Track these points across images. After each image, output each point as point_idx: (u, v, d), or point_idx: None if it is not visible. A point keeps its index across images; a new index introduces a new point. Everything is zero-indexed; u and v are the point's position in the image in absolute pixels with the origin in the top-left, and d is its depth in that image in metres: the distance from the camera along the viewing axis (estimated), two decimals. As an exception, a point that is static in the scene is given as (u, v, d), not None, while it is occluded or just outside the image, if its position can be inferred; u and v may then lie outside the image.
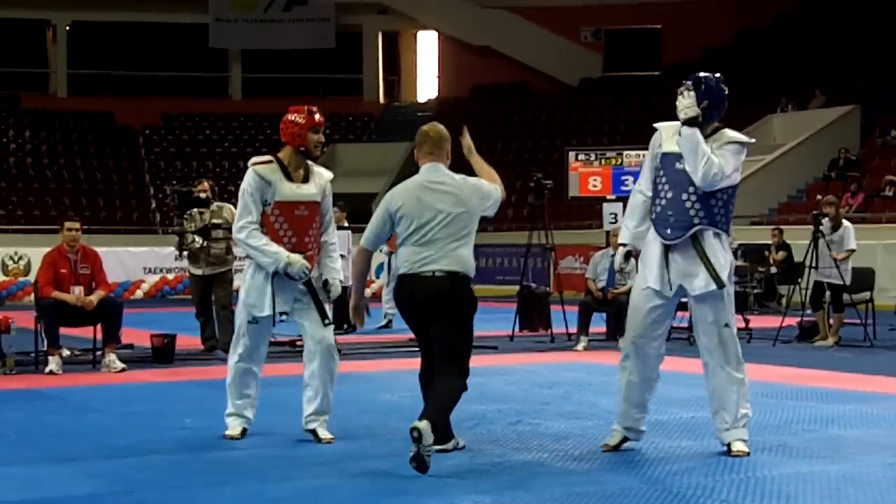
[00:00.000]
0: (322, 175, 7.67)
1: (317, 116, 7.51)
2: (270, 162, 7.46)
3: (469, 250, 6.93)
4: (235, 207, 13.48)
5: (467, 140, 7.36)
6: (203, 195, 12.90)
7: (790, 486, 6.05)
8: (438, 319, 6.77)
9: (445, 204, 6.89)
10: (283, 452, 7.17)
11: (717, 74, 7.21)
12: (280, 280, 7.41)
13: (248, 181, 7.40)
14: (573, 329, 14.19)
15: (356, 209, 33.06)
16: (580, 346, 13.61)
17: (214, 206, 13.00)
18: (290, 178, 7.43)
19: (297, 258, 7.34)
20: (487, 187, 7.16)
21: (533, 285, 16.38)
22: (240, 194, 7.46)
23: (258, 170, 7.39)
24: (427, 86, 43.17)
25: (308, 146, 7.47)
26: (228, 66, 41.29)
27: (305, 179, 7.50)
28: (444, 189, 6.96)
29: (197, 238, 12.69)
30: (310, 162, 7.58)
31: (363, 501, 5.75)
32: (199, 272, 12.98)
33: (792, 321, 14.91)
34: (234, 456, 7.05)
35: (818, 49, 32.11)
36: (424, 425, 6.20)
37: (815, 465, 6.63)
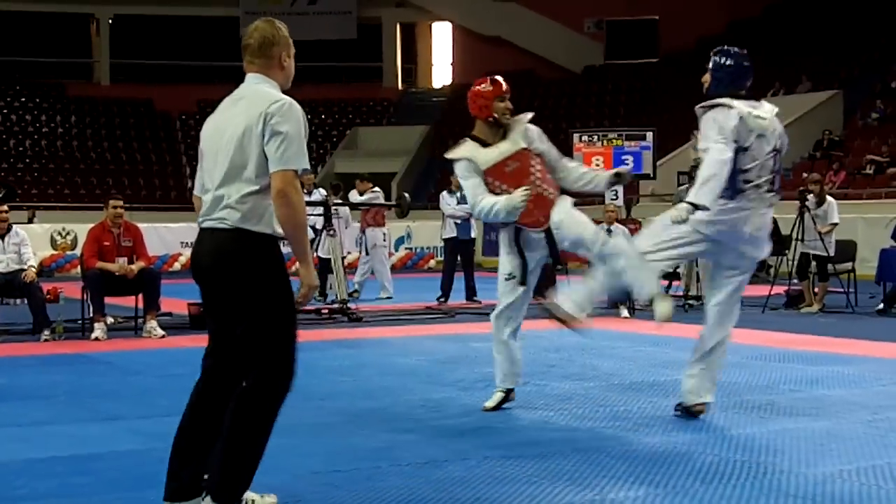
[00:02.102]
0: (518, 122, 7.15)
1: (503, 85, 7.15)
2: (463, 142, 7.16)
3: None
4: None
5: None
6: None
7: (778, 440, 6.04)
8: None
9: None
10: (309, 413, 7.18)
11: (735, 49, 6.76)
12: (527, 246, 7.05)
13: (458, 170, 7.08)
14: (577, 297, 14.14)
15: (377, 187, 33.25)
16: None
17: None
18: (487, 146, 7.04)
19: (513, 195, 6.78)
20: None
21: (539, 257, 16.32)
22: (462, 184, 7.13)
23: (458, 155, 7.06)
24: (442, 73, 43.11)
25: (496, 115, 7.11)
26: (258, 55, 41.25)
27: (503, 139, 7.08)
28: None
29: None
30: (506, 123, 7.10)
31: (382, 455, 5.76)
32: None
33: (780, 290, 14.87)
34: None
35: (804, 38, 31.94)
36: None
37: (801, 422, 6.62)
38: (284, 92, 4.61)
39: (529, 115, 7.21)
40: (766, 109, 6.59)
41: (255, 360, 4.52)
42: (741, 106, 6.46)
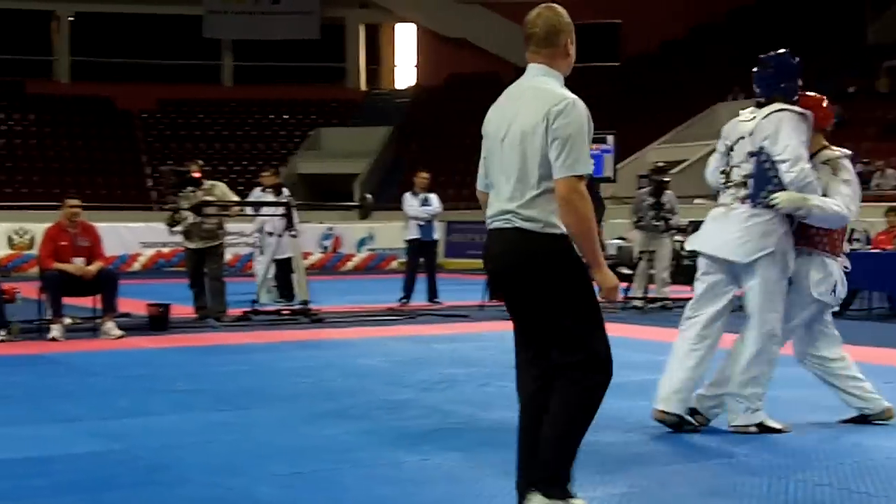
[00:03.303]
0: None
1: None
2: None
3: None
4: (227, 187, 13.58)
5: None
6: (196, 175, 13.01)
7: (733, 443, 6.09)
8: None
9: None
10: (269, 414, 7.17)
11: (780, 51, 6.83)
12: None
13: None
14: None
15: (339, 188, 33.20)
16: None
17: (207, 184, 13.08)
18: None
19: None
20: None
21: (501, 259, 16.35)
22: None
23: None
24: (406, 74, 43.10)
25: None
26: (221, 54, 41.10)
27: None
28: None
29: (190, 214, 12.72)
30: None
31: (342, 456, 5.76)
32: (192, 246, 13.05)
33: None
34: (222, 417, 7.04)
35: (765, 43, 32.11)
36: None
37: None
38: None
39: None
40: (758, 113, 6.60)
41: (576, 350, 4.37)
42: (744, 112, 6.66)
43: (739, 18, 35.04)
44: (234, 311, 13.19)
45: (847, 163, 6.67)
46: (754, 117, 6.58)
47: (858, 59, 30.34)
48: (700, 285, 6.66)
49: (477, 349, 10.67)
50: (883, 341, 11.09)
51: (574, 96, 4.38)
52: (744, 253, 6.41)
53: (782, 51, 6.84)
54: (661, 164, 16.57)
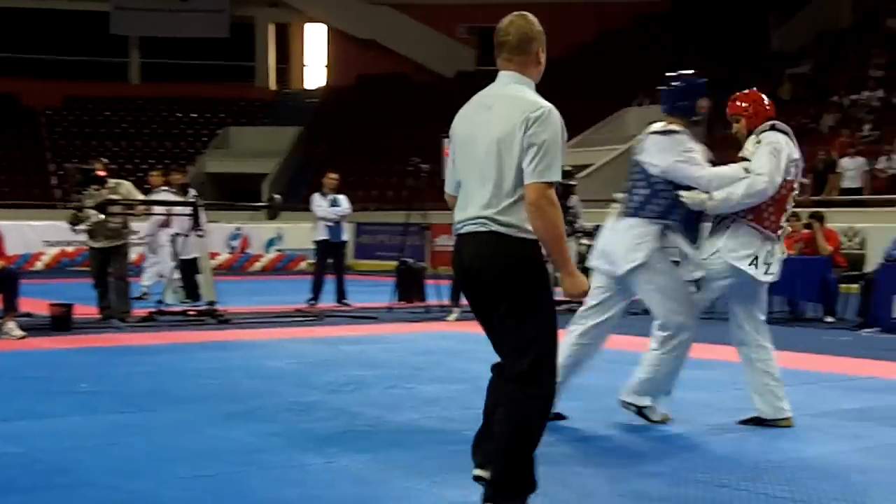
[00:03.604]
0: None
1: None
2: None
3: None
4: (132, 185, 13.39)
5: None
6: (101, 173, 12.81)
7: (640, 443, 6.15)
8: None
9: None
10: (174, 416, 7.08)
11: (687, 72, 7.13)
12: None
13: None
14: (446, 301, 14.25)
15: (248, 188, 32.93)
16: (452, 317, 13.68)
17: (112, 183, 12.90)
18: None
19: None
20: None
21: (410, 261, 16.40)
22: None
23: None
24: (315, 74, 42.93)
25: None
26: (128, 51, 40.56)
27: None
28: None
29: (94, 212, 12.52)
30: None
31: (248, 458, 5.71)
32: (97, 245, 12.83)
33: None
34: (126, 419, 6.93)
35: (672, 49, 32.68)
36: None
37: (660, 425, 6.76)
38: None
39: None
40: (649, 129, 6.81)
41: (524, 356, 4.38)
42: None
43: (647, 25, 35.52)
44: (139, 312, 13.01)
45: (772, 136, 6.89)
46: (640, 135, 6.88)
47: (763, 66, 30.92)
48: (591, 292, 6.76)
49: (385, 351, 10.66)
50: (783, 344, 11.28)
51: (550, 104, 4.44)
52: (621, 263, 6.61)
53: (689, 71, 7.03)
54: (567, 168, 16.70)
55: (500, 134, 4.39)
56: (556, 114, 4.42)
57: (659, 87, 6.98)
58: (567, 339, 6.68)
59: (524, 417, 4.39)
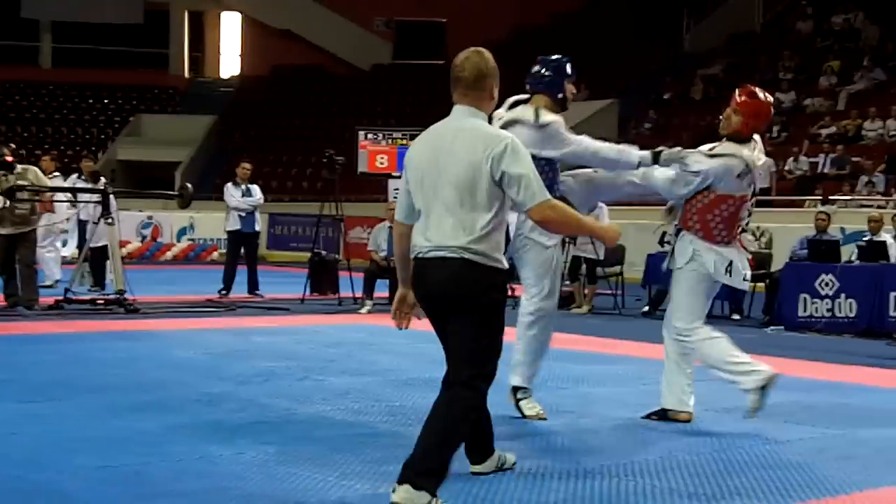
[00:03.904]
0: None
1: None
2: None
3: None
4: (41, 171, 13.15)
5: None
6: (8, 159, 12.58)
7: (546, 438, 6.20)
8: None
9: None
10: (78, 406, 6.96)
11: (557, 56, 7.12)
12: None
13: None
14: (359, 294, 14.22)
15: (160, 176, 32.50)
16: (365, 310, 13.66)
17: (19, 168, 12.69)
18: None
19: None
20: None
21: (323, 253, 16.32)
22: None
23: None
24: (230, 63, 42.50)
25: None
26: (39, 35, 39.76)
27: None
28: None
29: (0, 198, 12.29)
30: None
31: (153, 450, 5.64)
32: (4, 231, 12.57)
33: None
34: (30, 408, 6.81)
35: (586, 48, 32.92)
36: (403, 496, 4.47)
37: (566, 419, 6.82)
38: None
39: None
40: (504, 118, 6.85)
41: (472, 365, 4.65)
42: None
43: (563, 22, 35.73)
44: (46, 300, 12.78)
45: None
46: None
47: (675, 67, 31.34)
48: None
49: (296, 343, 10.61)
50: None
51: (509, 134, 4.77)
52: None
53: (558, 56, 7.09)
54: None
55: (466, 168, 4.62)
56: (518, 143, 4.68)
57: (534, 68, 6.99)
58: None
59: (457, 417, 4.64)
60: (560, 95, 6.92)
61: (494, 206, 4.64)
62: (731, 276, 6.77)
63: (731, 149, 6.75)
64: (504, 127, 6.35)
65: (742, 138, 6.80)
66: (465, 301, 4.63)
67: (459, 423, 4.66)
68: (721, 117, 6.97)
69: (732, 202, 6.75)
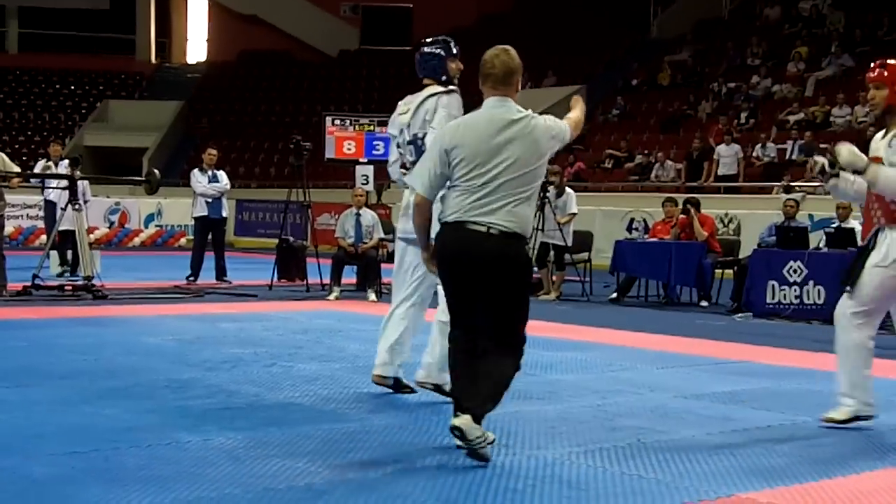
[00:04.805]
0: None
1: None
2: None
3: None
4: (6, 156, 13.04)
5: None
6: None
7: (511, 424, 6.21)
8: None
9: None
10: (46, 392, 6.93)
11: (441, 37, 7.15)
12: None
13: None
14: (327, 280, 14.20)
15: (127, 162, 32.30)
16: (333, 296, 13.64)
17: (-15, 154, 12.59)
18: None
19: None
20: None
21: (291, 239, 16.30)
22: None
23: None
24: (197, 49, 42.28)
25: None
26: (5, 21, 39.41)
27: None
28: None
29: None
30: None
31: (122, 436, 5.62)
32: (-30, 218, 12.47)
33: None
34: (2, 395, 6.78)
35: (552, 34, 32.95)
36: (465, 421, 5.14)
37: (534, 405, 6.84)
38: None
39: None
40: (412, 103, 6.88)
41: (514, 334, 5.44)
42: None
43: (528, 8, 35.74)
44: (15, 286, 12.69)
45: None
46: (408, 109, 6.88)
47: (643, 53, 31.38)
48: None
49: (264, 329, 10.58)
50: (657, 328, 11.54)
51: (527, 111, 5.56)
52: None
53: (441, 37, 7.13)
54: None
55: (525, 151, 5.35)
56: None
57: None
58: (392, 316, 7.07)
59: (511, 378, 5.47)
60: (444, 77, 6.94)
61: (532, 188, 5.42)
62: None
63: None
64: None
65: None
66: (500, 274, 5.29)
67: (508, 379, 5.42)
68: (866, 102, 6.40)
69: None
